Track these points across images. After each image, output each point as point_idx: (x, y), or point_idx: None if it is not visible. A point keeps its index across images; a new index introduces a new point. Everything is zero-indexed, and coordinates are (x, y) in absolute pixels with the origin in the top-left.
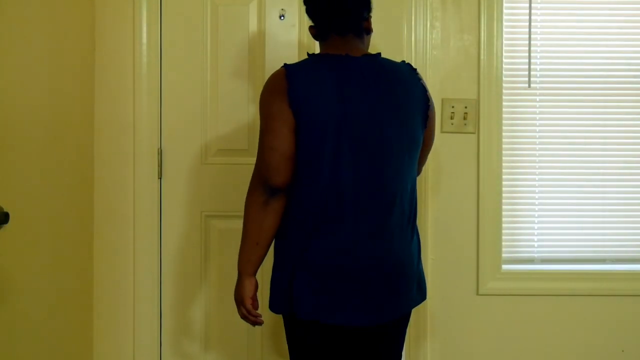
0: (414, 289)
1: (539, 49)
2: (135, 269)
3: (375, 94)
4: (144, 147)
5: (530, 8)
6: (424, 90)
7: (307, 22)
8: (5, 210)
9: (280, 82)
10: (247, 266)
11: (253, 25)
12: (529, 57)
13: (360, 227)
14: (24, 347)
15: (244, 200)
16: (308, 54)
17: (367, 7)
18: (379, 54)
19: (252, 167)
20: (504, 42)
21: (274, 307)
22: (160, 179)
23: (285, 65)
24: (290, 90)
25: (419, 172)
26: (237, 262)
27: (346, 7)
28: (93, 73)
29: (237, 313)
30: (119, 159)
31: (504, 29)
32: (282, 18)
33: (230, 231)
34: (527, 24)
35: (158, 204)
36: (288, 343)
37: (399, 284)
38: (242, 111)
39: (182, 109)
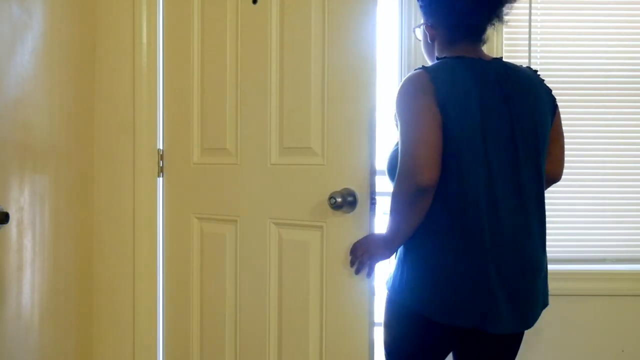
0: (543, 294)
1: (539, 49)
2: (135, 268)
3: (511, 96)
4: (144, 147)
5: (530, 8)
6: (549, 90)
7: (280, 3)
8: (5, 210)
9: (425, 83)
10: (395, 243)
11: (231, 14)
12: (529, 57)
13: (504, 230)
14: (24, 347)
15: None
16: (438, 57)
17: None
18: (502, 57)
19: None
20: (504, 42)
21: (417, 305)
22: (160, 179)
23: (424, 67)
24: (438, 92)
25: (559, 175)
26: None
27: (487, 18)
28: (93, 73)
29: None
30: (119, 159)
31: (504, 29)
32: (255, 2)
33: (228, 233)
34: (527, 24)
35: (158, 204)
36: (401, 335)
37: (539, 288)
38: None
39: (183, 108)
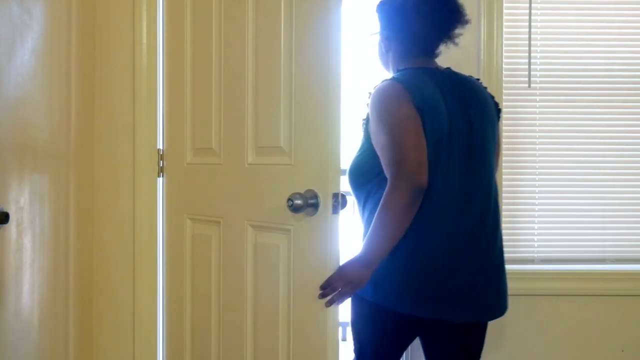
0: (506, 289)
1: (539, 49)
2: (135, 269)
3: (468, 101)
4: (144, 147)
5: (530, 8)
6: (492, 95)
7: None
8: (5, 210)
9: (401, 91)
10: (378, 260)
11: (217, 14)
12: (529, 57)
13: (465, 227)
14: (24, 347)
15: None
16: (399, 69)
17: None
18: (450, 68)
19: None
20: (504, 42)
21: (374, 297)
22: (161, 179)
23: (395, 78)
24: (414, 99)
25: (496, 170)
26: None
27: (440, 39)
28: (93, 73)
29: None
30: (119, 159)
31: (504, 29)
32: None
33: (214, 234)
34: (527, 24)
35: (158, 204)
36: (368, 331)
37: (502, 278)
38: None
39: (179, 108)
